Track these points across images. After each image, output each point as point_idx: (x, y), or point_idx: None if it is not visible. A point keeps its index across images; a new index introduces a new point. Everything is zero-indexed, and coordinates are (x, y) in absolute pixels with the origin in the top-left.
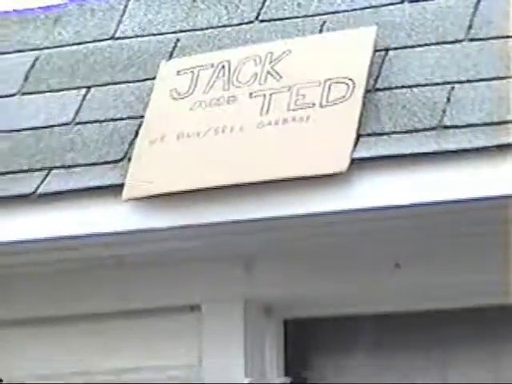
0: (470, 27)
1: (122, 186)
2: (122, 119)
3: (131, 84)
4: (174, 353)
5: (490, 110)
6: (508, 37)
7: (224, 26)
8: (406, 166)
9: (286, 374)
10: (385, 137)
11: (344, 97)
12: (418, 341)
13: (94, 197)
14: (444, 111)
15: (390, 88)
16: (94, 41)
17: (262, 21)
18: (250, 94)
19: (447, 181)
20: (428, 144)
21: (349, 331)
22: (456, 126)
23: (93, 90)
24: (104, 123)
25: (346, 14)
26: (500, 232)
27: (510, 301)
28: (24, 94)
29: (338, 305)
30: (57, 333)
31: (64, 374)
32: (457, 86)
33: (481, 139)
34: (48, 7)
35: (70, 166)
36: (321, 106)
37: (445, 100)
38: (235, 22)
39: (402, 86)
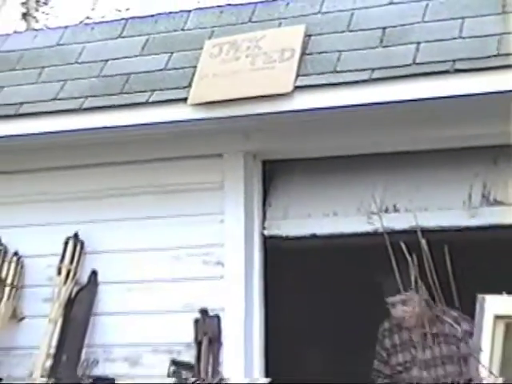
0: (349, 25)
1: (186, 98)
2: (187, 67)
3: (191, 51)
4: (207, 176)
5: (365, 63)
6: (370, 29)
7: (234, 24)
8: (318, 89)
9: (263, 182)
10: (308, 76)
11: (290, 57)
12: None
13: (173, 103)
14: (336, 65)
15: (311, 54)
16: (174, 30)
17: (252, 22)
18: (246, 56)
19: (339, 96)
20: (329, 79)
21: (297, 166)
22: (343, 71)
23: (174, 54)
24: (179, 69)
25: (291, 18)
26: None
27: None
28: (141, 55)
29: (291, 152)
30: (130, 169)
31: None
32: (343, 53)
33: (358, 77)
34: (153, 15)
35: (163, 90)
36: (279, 61)
37: (336, 59)
38: (239, 22)
39: (316, 53)
